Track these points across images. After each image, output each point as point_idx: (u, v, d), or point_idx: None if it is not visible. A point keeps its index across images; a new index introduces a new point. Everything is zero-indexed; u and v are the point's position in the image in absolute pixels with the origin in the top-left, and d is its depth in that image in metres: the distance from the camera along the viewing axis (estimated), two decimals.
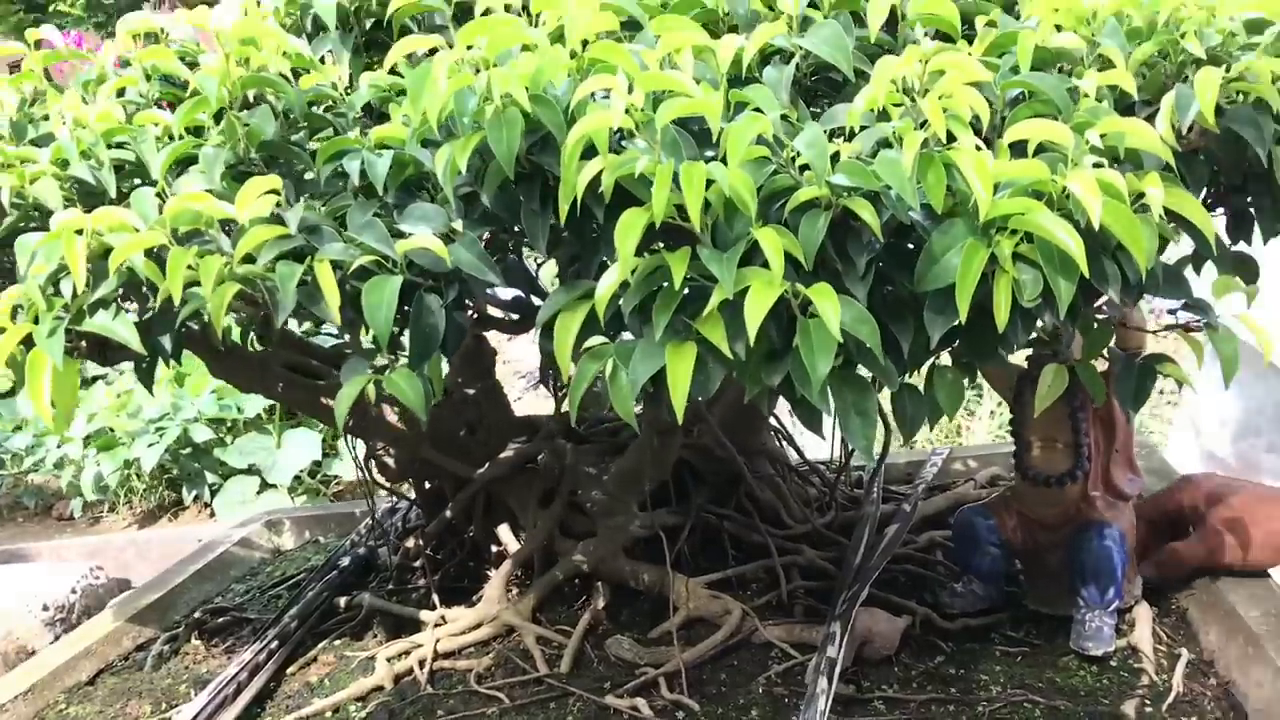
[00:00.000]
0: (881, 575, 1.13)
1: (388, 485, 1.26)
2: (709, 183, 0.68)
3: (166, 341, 0.85)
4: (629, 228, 0.67)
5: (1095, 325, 0.85)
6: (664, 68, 0.76)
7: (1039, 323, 0.72)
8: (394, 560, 1.30)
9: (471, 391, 1.20)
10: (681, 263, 0.68)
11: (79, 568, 2.67)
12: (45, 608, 2.46)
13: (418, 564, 1.27)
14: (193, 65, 1.01)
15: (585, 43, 0.79)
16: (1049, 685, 0.97)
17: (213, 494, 3.47)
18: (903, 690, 0.98)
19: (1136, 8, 0.80)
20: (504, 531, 1.24)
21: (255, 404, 3.54)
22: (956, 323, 0.69)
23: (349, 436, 1.22)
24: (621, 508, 1.16)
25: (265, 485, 3.39)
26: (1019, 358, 1.03)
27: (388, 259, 0.76)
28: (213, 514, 3.40)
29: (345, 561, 1.36)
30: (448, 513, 1.23)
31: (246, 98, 0.93)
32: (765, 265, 0.67)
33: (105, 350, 0.91)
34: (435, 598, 1.19)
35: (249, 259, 0.78)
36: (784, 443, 1.32)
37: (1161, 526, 1.13)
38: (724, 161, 0.69)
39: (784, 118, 0.76)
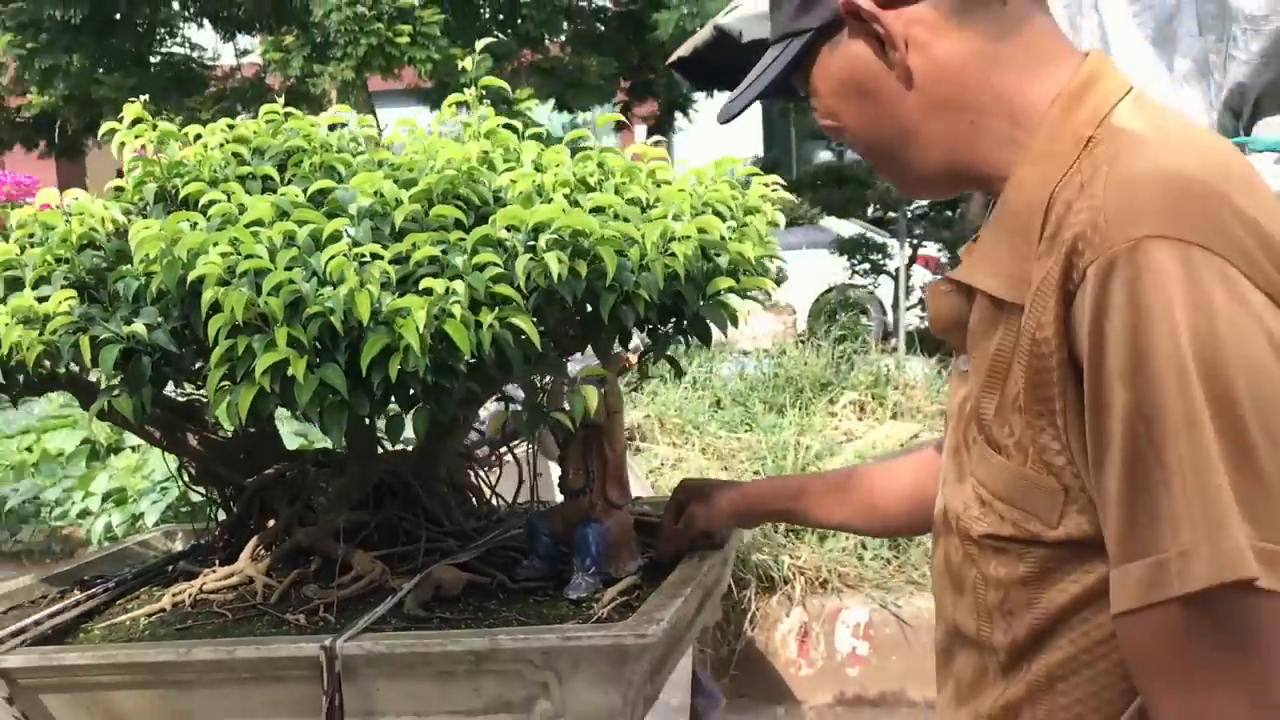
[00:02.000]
0: (494, 559, 1.75)
1: (188, 485, 1.93)
2: (254, 304, 1.34)
3: (20, 379, 1.54)
4: (214, 324, 1.34)
5: (544, 393, 1.49)
6: (270, 240, 1.43)
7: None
8: (207, 542, 1.95)
9: (252, 430, 1.87)
10: (244, 343, 1.34)
11: None
12: None
13: (221, 545, 1.92)
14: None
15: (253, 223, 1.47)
16: (537, 614, 1.58)
17: None
18: (455, 614, 1.60)
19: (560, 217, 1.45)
20: (272, 524, 1.88)
21: None
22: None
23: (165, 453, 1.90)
24: (334, 509, 1.80)
25: None
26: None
27: (119, 335, 1.43)
28: None
29: (185, 547, 2.02)
30: (234, 509, 1.89)
31: (88, 241, 1.63)
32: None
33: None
34: (217, 562, 1.84)
35: (54, 333, 1.46)
36: (477, 477, 1.96)
37: (676, 516, 1.71)
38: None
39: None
